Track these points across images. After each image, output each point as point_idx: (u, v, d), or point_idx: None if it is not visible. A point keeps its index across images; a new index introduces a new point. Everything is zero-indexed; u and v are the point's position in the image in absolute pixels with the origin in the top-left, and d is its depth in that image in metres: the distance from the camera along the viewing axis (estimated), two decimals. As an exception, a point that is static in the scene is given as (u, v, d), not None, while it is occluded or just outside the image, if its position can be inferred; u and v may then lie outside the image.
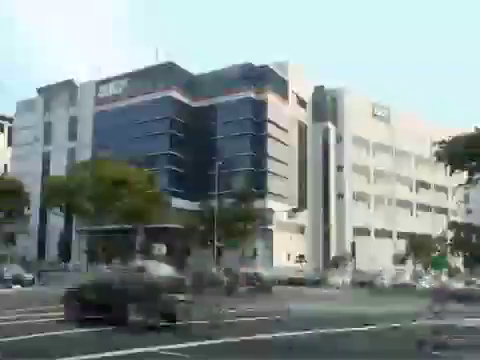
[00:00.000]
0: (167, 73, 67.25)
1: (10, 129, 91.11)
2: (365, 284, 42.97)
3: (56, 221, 67.37)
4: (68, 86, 77.21)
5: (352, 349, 11.02)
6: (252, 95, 65.04)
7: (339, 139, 76.17)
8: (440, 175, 78.57)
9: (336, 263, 63.17)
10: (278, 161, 66.05)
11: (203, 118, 66.45)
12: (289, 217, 63.57)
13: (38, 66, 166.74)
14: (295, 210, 61.33)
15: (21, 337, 10.86)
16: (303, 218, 68.81)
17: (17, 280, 32.31)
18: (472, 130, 39.43)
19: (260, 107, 65.25)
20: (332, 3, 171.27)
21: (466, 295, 31.87)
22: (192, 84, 68.87)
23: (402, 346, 11.82)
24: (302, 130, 73.63)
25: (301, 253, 60.92)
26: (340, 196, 74.96)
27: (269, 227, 62.03)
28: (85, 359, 8.75)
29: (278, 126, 66.71)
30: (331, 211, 73.38)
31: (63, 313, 14.36)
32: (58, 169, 66.43)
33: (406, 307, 24.63)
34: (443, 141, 40.88)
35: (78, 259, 66.65)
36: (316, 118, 75.35)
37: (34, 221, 74.34)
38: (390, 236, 78.24)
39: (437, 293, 31.39)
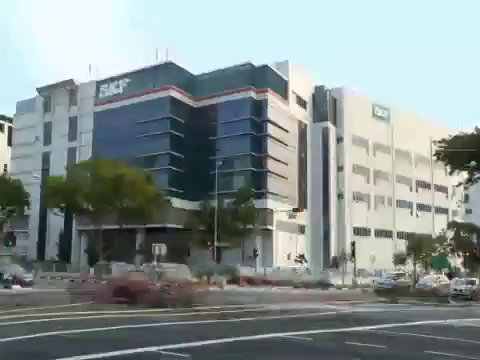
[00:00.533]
0: (167, 73, 67.22)
1: (10, 129, 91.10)
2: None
3: (56, 221, 67.36)
4: (68, 86, 77.18)
5: (352, 349, 10.99)
6: (252, 95, 65.02)
7: (339, 139, 76.19)
8: (440, 175, 78.64)
9: (336, 263, 63.17)
10: (278, 161, 66.04)
11: (203, 118, 66.41)
12: (289, 217, 63.55)
13: (38, 66, 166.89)
14: (295, 210, 61.28)
15: (21, 337, 10.85)
16: (303, 218, 68.81)
17: (17, 280, 32.25)
18: (472, 130, 39.41)
19: (260, 107, 65.25)
20: (332, 3, 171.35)
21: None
22: (192, 84, 68.85)
23: (402, 346, 11.81)
24: (302, 130, 73.63)
25: (301, 253, 60.91)
26: (340, 196, 74.98)
27: (269, 227, 62.05)
28: (85, 359, 8.74)
29: (278, 126, 66.70)
30: (331, 211, 73.37)
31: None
32: (58, 169, 66.43)
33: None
34: (443, 140, 40.85)
35: (78, 259, 66.75)
36: (316, 118, 75.36)
37: (34, 221, 74.38)
38: (390, 236, 78.25)
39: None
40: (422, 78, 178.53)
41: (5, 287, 29.70)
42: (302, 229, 69.96)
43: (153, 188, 51.92)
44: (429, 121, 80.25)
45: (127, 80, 71.17)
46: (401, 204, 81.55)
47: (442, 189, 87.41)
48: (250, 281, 41.84)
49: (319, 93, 76.47)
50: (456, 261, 65.07)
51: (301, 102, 74.00)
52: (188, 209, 59.98)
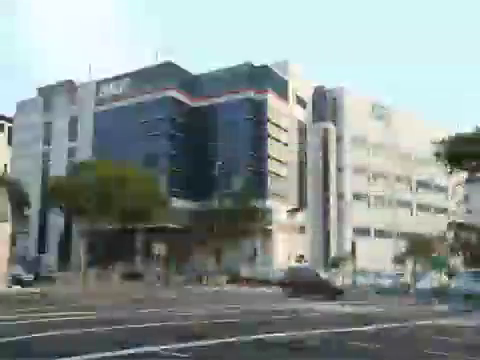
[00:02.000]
0: (167, 73, 67.20)
1: (10, 129, 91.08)
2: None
3: (56, 221, 67.36)
4: (68, 86, 77.16)
5: (352, 349, 11.01)
6: (252, 95, 65.02)
7: (339, 139, 76.19)
8: (440, 175, 78.53)
9: (336, 263, 63.15)
10: (278, 161, 66.05)
11: (203, 118, 66.43)
12: (289, 217, 63.57)
13: (38, 66, 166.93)
14: (295, 210, 61.37)
15: (21, 337, 10.86)
16: (303, 218, 68.79)
17: (17, 280, 32.30)
18: (472, 130, 39.38)
19: (260, 107, 65.23)
20: (332, 3, 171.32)
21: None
22: (192, 84, 68.85)
23: (402, 346, 11.81)
24: (302, 130, 73.63)
25: (301, 253, 60.93)
26: (340, 196, 74.97)
27: (269, 227, 62.05)
28: (85, 359, 8.75)
29: (278, 126, 66.71)
30: (331, 211, 73.36)
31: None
32: (58, 169, 66.46)
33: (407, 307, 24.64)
34: (443, 140, 40.83)
35: (78, 259, 66.72)
36: (316, 118, 75.36)
37: (34, 221, 74.38)
38: (390, 236, 78.21)
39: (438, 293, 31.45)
40: (422, 78, 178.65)
41: (6, 287, 29.72)
42: (302, 229, 69.96)
43: (153, 188, 51.90)
44: (429, 121, 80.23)
45: (127, 80, 71.19)
46: (401, 204, 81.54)
47: (442, 189, 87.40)
48: (250, 281, 41.87)
49: (319, 93, 76.47)
50: (456, 261, 65.06)
51: (301, 102, 74.00)
52: (188, 209, 59.96)
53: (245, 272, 45.38)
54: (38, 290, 29.06)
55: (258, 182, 63.00)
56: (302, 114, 73.82)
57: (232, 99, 64.85)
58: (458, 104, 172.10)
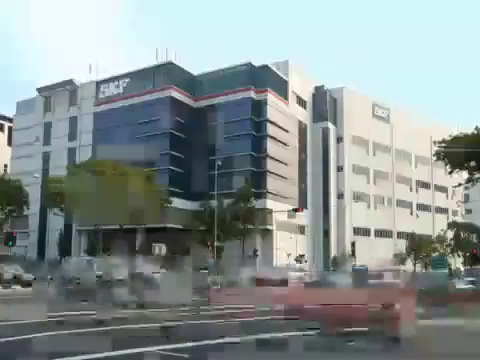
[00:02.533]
0: (167, 73, 67.23)
1: (10, 129, 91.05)
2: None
3: (56, 221, 67.33)
4: (68, 86, 77.18)
5: (351, 349, 11.01)
6: (252, 95, 65.02)
7: (339, 139, 76.22)
8: (440, 175, 78.62)
9: (336, 263, 63.19)
10: (278, 161, 66.04)
11: (203, 118, 66.40)
12: (289, 217, 63.55)
13: (38, 66, 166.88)
14: (295, 210, 61.35)
15: (20, 337, 10.85)
16: (303, 218, 68.78)
17: (17, 280, 32.27)
18: (472, 130, 39.43)
19: (260, 107, 65.26)
20: (332, 3, 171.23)
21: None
22: (192, 84, 68.85)
23: (402, 346, 11.81)
24: (302, 130, 73.65)
25: (301, 253, 60.95)
26: (340, 196, 74.98)
27: (269, 227, 62.05)
28: (85, 359, 8.74)
29: (278, 126, 66.72)
30: (331, 211, 73.38)
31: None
32: (58, 169, 66.41)
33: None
34: (443, 140, 40.88)
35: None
36: (316, 118, 75.40)
37: (34, 221, 74.34)
38: (390, 236, 78.24)
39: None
40: (422, 78, 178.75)
41: (6, 287, 29.72)
42: (302, 229, 69.96)
43: (153, 188, 51.90)
44: (429, 121, 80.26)
45: (127, 80, 71.18)
46: (401, 204, 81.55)
47: (442, 189, 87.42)
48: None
49: (319, 93, 76.52)
50: (456, 261, 65.14)
51: (301, 102, 74.01)
52: (188, 209, 59.98)
53: (244, 272, 45.26)
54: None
55: (258, 182, 63.00)
56: (302, 114, 73.84)
57: (232, 99, 64.85)
58: (458, 104, 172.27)
